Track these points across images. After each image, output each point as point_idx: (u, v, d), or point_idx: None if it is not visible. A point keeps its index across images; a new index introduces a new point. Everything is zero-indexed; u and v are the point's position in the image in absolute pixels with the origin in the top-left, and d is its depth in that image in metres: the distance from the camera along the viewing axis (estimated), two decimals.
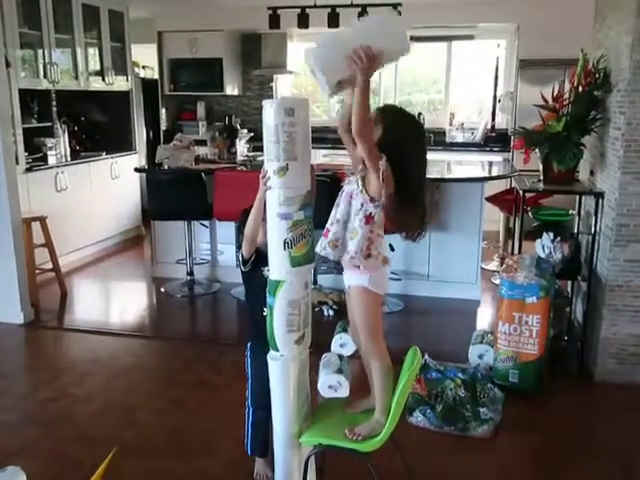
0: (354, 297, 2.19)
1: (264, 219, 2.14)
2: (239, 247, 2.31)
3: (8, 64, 4.63)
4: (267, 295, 2.12)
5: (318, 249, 2.16)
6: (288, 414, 2.19)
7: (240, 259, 2.32)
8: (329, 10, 5.54)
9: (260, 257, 2.25)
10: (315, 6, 5.49)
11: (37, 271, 4.89)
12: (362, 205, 2.09)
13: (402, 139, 2.13)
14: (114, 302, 5.31)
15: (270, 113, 1.98)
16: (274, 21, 5.63)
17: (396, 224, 2.23)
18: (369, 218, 2.08)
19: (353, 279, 2.17)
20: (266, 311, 2.15)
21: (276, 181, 2.02)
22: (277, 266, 2.09)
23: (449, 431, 2.98)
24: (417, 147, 2.19)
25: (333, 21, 5.56)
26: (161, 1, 6.82)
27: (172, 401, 3.33)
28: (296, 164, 2.01)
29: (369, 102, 1.99)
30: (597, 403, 3.39)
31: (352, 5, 5.48)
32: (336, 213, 2.16)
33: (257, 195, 2.14)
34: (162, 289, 5.17)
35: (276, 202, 2.04)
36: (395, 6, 5.41)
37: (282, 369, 2.15)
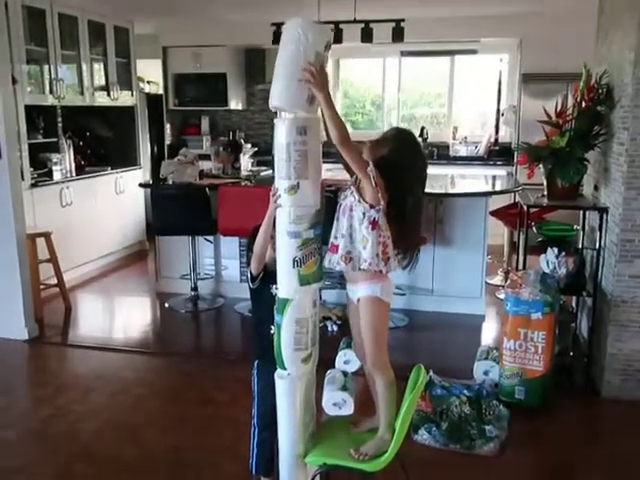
0: (364, 307, 2.19)
1: (273, 236, 2.14)
2: (248, 263, 2.31)
3: (14, 81, 4.66)
4: (275, 313, 2.12)
5: (328, 264, 2.17)
6: (294, 433, 2.17)
7: (248, 275, 2.31)
8: (332, 27, 5.58)
9: (268, 274, 2.25)
10: (319, 22, 5.52)
11: (41, 286, 4.90)
12: (364, 214, 2.11)
13: (405, 161, 2.16)
14: (118, 317, 5.31)
15: (282, 131, 1.99)
16: (278, 37, 5.60)
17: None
18: (374, 223, 2.10)
19: (363, 290, 2.18)
20: (273, 329, 2.15)
21: (286, 199, 2.03)
22: (286, 284, 2.09)
23: (455, 449, 2.96)
24: (417, 173, 2.19)
25: (337, 38, 5.60)
26: (166, 17, 6.88)
27: (176, 418, 3.32)
28: (307, 183, 2.03)
29: (337, 112, 2.03)
30: (604, 420, 3.37)
31: (355, 21, 5.52)
32: (339, 228, 2.17)
33: (267, 212, 2.14)
34: (166, 304, 5.16)
35: (286, 220, 2.04)
36: (398, 22, 5.45)
37: (289, 388, 2.14)
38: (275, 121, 2.04)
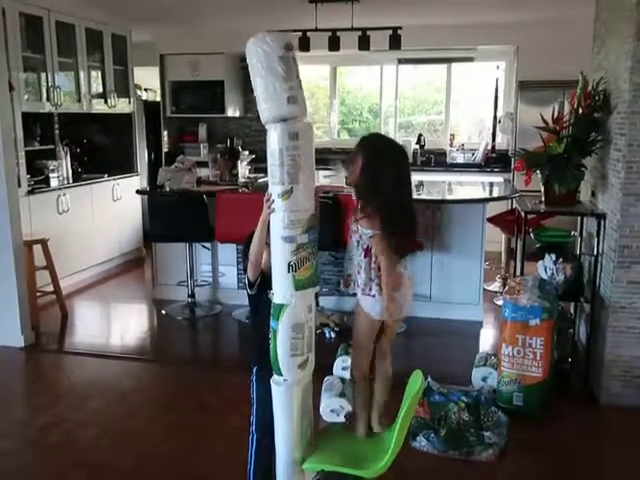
0: (357, 315, 2.33)
1: (268, 242, 2.13)
2: (245, 270, 2.30)
3: (11, 88, 4.66)
4: (271, 319, 2.11)
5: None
6: (291, 440, 2.16)
7: (246, 282, 2.30)
8: (330, 34, 5.60)
9: (266, 280, 2.24)
10: (316, 29, 5.55)
11: (38, 294, 4.88)
12: (358, 242, 2.23)
13: (376, 164, 2.20)
14: (115, 324, 5.29)
15: (274, 137, 1.99)
16: None
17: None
18: (367, 251, 2.20)
19: (360, 300, 2.31)
20: None
21: (280, 204, 2.02)
22: (281, 289, 2.08)
23: (453, 455, 2.94)
24: (392, 164, 2.22)
25: (334, 44, 5.62)
26: (163, 25, 6.90)
27: (172, 426, 3.30)
28: (300, 187, 2.02)
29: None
30: (603, 427, 3.35)
31: (352, 29, 5.54)
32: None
33: (260, 218, 2.14)
34: (163, 311, 5.15)
35: (280, 225, 2.04)
36: (395, 30, 5.47)
37: (285, 394, 2.13)
38: (267, 127, 2.04)
